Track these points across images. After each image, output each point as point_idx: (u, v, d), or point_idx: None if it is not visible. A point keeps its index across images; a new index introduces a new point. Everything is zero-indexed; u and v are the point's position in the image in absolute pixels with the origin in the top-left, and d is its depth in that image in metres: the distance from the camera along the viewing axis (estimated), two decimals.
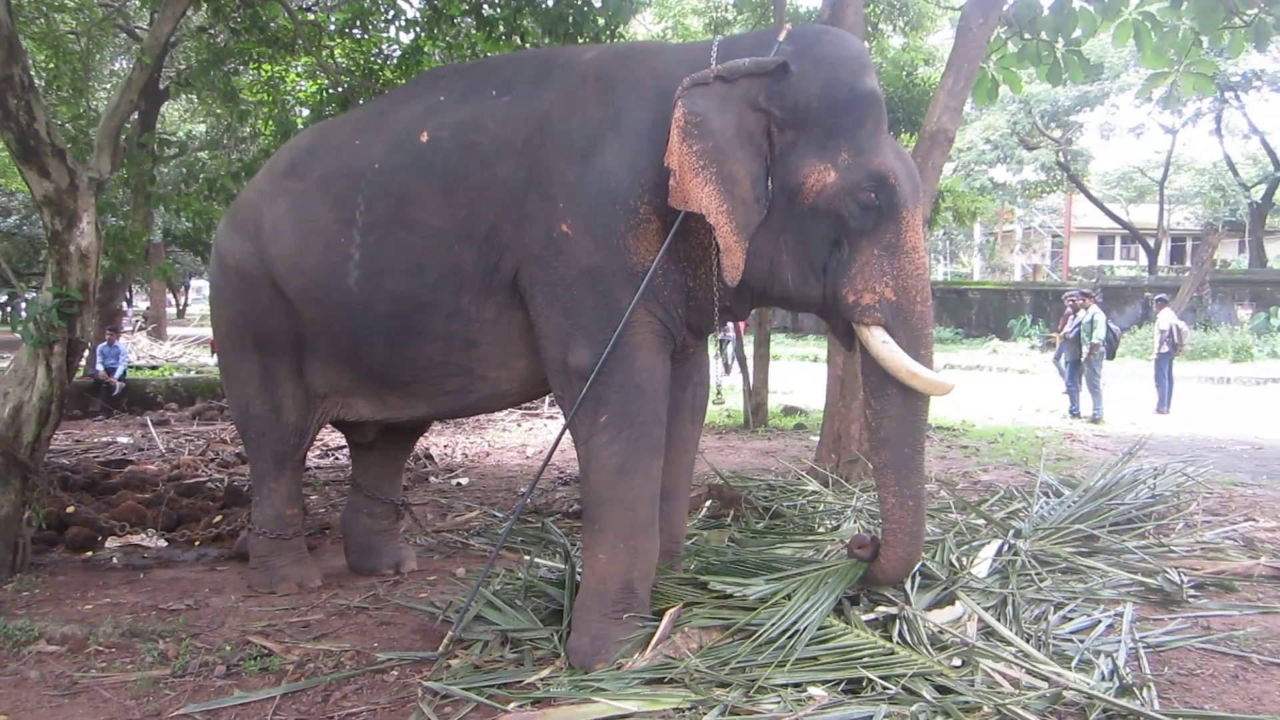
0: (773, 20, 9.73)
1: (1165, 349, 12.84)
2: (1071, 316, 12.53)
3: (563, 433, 3.57)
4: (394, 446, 4.81)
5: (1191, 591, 4.24)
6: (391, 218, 3.72)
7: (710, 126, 3.20)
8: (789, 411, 11.61)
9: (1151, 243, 30.64)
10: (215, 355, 4.56)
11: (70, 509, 5.36)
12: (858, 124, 3.31)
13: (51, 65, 8.89)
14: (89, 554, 5.06)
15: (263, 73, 9.14)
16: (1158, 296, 14.75)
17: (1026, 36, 7.12)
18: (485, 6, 7.28)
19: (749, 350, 10.93)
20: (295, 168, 4.14)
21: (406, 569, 4.75)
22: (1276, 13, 6.15)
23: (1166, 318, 13.10)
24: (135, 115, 9.22)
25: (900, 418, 3.39)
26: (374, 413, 4.20)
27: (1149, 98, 18.98)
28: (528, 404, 11.02)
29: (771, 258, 3.40)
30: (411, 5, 8.03)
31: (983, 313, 28.10)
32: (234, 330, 4.35)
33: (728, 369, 16.06)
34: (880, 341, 3.30)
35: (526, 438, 10.03)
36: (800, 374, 17.00)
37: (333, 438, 9.12)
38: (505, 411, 11.18)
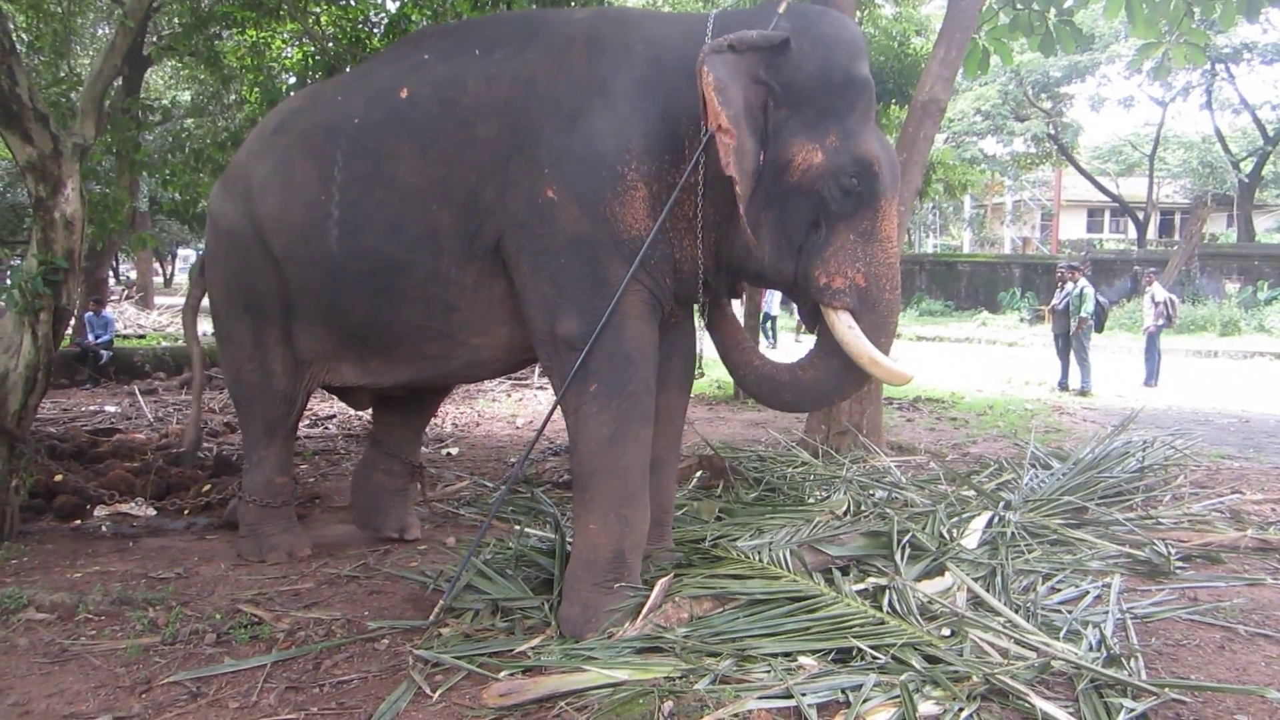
0: None
1: (1161, 322, 12.85)
2: (1060, 289, 12.52)
3: (556, 404, 3.55)
4: (417, 407, 4.80)
5: (1179, 563, 4.26)
6: (370, 175, 3.70)
7: (730, 94, 3.16)
8: None
9: (1141, 216, 30.65)
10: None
11: (58, 477, 5.33)
12: (849, 108, 3.31)
13: (33, 29, 8.77)
14: (77, 522, 5.04)
15: (247, 38, 9.03)
16: (1149, 270, 14.74)
17: (1019, 7, 7.10)
18: None
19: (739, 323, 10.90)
20: (282, 126, 4.15)
21: (410, 535, 4.72)
22: None
23: (1160, 290, 13.11)
24: (119, 81, 9.11)
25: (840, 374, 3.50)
26: (358, 377, 4.18)
27: (1139, 69, 18.92)
28: (517, 374, 11.00)
29: (755, 232, 3.36)
30: None
31: (972, 285, 28.09)
32: (227, 294, 4.33)
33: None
34: (846, 326, 3.32)
35: (516, 408, 10.01)
36: (792, 346, 17.00)
37: (321, 407, 9.11)
38: (495, 381, 11.17)
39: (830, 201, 3.29)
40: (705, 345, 3.89)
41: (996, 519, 4.54)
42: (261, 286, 4.14)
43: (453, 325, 3.77)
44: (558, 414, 3.58)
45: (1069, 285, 12.22)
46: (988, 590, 3.62)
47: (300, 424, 4.73)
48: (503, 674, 3.02)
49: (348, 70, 5.09)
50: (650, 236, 3.29)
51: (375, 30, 7.92)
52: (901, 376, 3.40)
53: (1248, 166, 28.40)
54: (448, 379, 4.36)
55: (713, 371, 11.45)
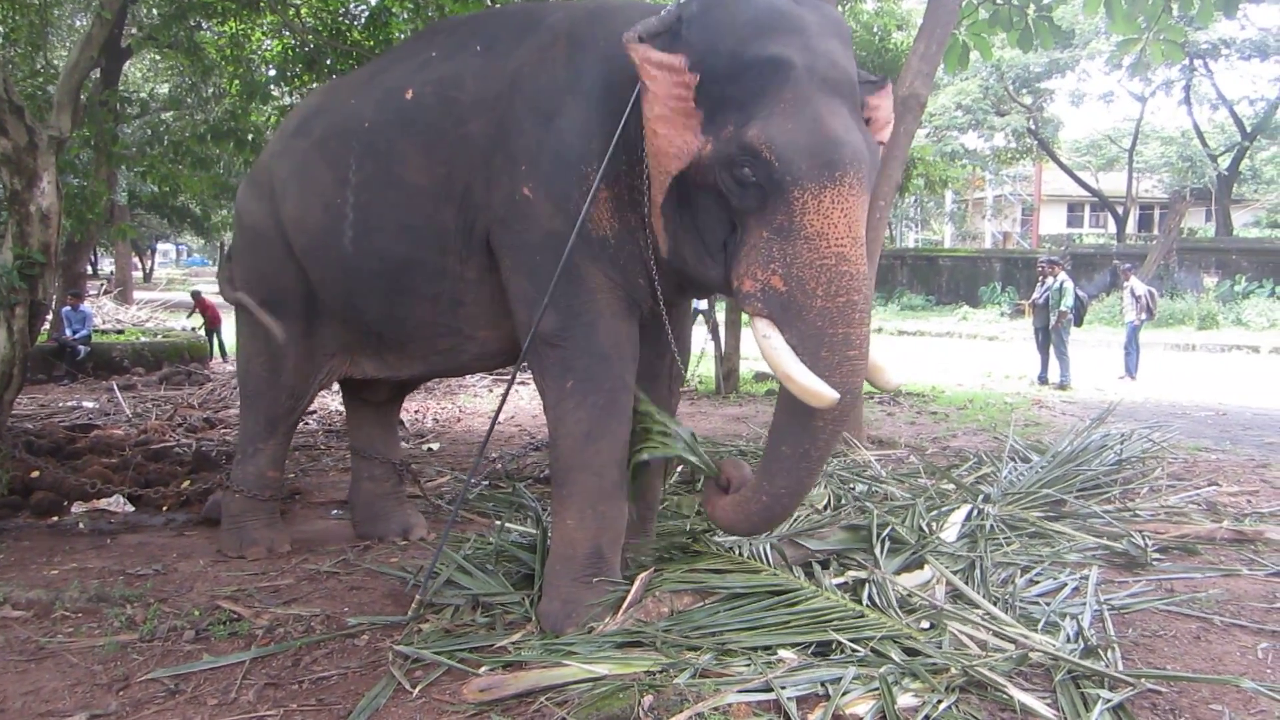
0: None
1: (1144, 316, 12.94)
2: (1040, 284, 12.60)
3: (509, 388, 3.75)
4: (384, 403, 4.84)
5: (1156, 555, 4.30)
6: (380, 176, 3.72)
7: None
8: (760, 378, 11.61)
9: (1120, 211, 30.82)
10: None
11: (35, 473, 5.30)
12: (753, 94, 2.93)
13: (8, 20, 8.68)
14: (54, 519, 5.00)
15: (227, 29, 8.98)
16: (1125, 265, 14.84)
17: (998, 2, 7.12)
18: None
19: (720, 317, 10.92)
20: (301, 127, 4.18)
21: (415, 535, 4.72)
22: None
23: (1140, 285, 13.20)
24: (96, 73, 9.03)
25: (788, 412, 3.07)
26: (377, 370, 4.25)
27: (1119, 64, 19.02)
28: (499, 370, 10.96)
29: (674, 234, 3.21)
30: None
31: (953, 280, 28.24)
32: (247, 287, 4.39)
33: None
34: (761, 335, 2.96)
35: (498, 404, 9.98)
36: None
37: None
38: (476, 376, 11.14)
39: (730, 196, 2.97)
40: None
41: (976, 512, 4.57)
42: (282, 283, 4.22)
43: (461, 320, 3.80)
44: (542, 410, 3.58)
45: (1049, 280, 12.30)
46: (967, 583, 3.64)
47: None
48: (483, 669, 3.02)
49: (366, 64, 5.06)
50: (574, 230, 3.21)
51: (356, 23, 7.88)
52: (819, 397, 2.81)
53: (1225, 161, 28.59)
54: (460, 370, 4.43)
55: (694, 367, 11.45)
